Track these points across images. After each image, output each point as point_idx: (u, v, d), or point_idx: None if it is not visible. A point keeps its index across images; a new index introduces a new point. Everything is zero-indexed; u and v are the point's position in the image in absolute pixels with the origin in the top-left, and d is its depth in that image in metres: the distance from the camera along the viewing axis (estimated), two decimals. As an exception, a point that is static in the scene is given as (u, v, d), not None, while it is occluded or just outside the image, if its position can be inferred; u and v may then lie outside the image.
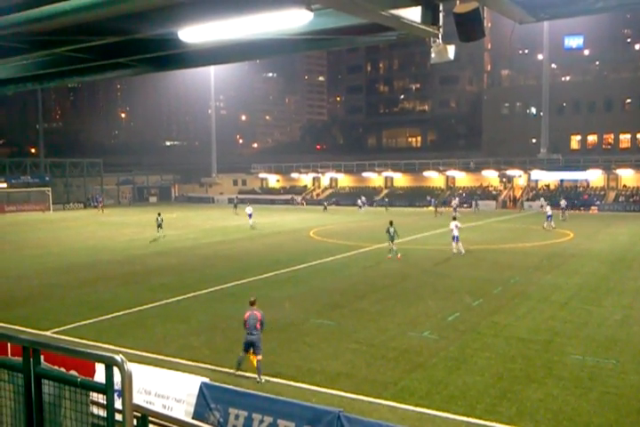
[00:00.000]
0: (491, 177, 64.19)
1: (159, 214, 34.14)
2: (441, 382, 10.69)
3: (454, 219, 27.18)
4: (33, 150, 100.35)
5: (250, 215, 41.04)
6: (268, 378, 10.80)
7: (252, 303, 11.20)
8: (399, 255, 24.90)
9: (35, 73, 10.57)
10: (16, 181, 61.75)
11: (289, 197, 69.77)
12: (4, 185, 60.12)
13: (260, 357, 10.67)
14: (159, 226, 33.72)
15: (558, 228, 36.55)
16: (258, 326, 10.75)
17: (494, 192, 62.93)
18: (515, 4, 6.49)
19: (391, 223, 25.30)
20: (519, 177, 62.97)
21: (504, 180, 63.49)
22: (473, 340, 13.23)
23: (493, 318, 15.05)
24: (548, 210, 37.31)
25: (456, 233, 25.80)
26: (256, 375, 10.71)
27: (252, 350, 10.69)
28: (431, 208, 58.54)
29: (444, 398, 9.95)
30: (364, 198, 59.02)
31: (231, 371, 11.08)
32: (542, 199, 51.73)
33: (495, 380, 10.76)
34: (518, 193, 62.14)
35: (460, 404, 9.69)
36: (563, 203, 44.80)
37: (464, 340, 13.22)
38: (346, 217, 49.13)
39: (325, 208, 56.67)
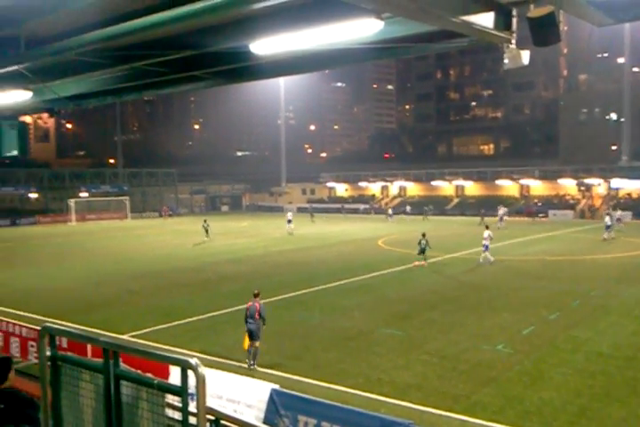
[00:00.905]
0: (568, 186, 61.75)
1: (205, 221, 37.86)
2: (515, 397, 10.31)
3: (487, 227, 26.49)
4: (112, 161, 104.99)
5: (289, 221, 42.12)
6: (337, 387, 10.77)
7: (256, 295, 12.20)
8: (419, 263, 25.10)
9: (114, 87, 11.07)
10: (96, 191, 64.88)
11: (358, 206, 69.71)
12: (86, 194, 63.23)
13: (257, 344, 11.65)
14: (206, 231, 37.09)
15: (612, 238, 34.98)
16: (257, 316, 11.69)
17: (571, 201, 60.54)
18: (593, 7, 6.24)
19: (424, 235, 25.14)
20: (598, 186, 60.29)
21: (582, 188, 60.95)
22: (550, 354, 12.71)
23: (572, 333, 14.42)
24: (607, 220, 35.81)
25: (487, 242, 25.49)
26: (246, 362, 11.85)
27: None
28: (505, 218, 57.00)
29: (518, 413, 9.60)
30: (408, 208, 58.31)
31: (296, 377, 11.17)
32: (609, 209, 49.17)
33: (573, 396, 10.28)
34: (597, 202, 59.51)
35: (536, 420, 9.32)
36: (619, 213, 42.70)
37: (540, 354, 12.73)
38: (415, 226, 48.52)
39: (391, 216, 55.60)
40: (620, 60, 67.47)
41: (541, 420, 9.34)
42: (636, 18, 7.15)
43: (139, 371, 7.34)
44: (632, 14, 6.69)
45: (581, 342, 13.56)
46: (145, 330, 15.01)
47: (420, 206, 60.77)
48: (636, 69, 71.84)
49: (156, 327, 15.28)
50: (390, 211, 56.24)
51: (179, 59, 8.72)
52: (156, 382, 3.82)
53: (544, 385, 10.87)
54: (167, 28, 6.94)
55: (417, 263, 24.98)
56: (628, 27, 57.57)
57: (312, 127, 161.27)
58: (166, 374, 8.28)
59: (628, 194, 58.80)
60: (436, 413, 9.67)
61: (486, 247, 25.60)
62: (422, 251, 25.05)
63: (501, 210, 47.77)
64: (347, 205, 70.35)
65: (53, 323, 12.02)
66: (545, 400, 10.11)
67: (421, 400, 10.14)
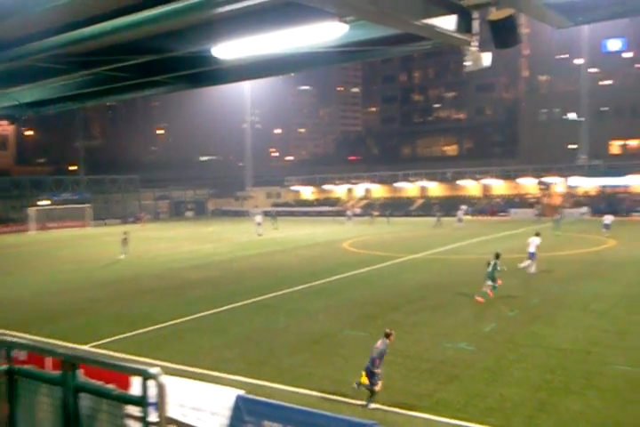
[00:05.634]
0: (528, 185, 63.21)
1: (125, 233, 32.85)
2: (478, 394, 10.54)
3: (537, 234, 23.08)
4: (73, 168, 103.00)
5: (259, 224, 43.57)
6: (302, 391, 10.84)
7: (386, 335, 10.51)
8: (481, 297, 18.20)
9: (75, 93, 10.96)
10: (57, 199, 63.49)
11: (325, 208, 69.86)
12: (48, 202, 61.83)
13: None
14: (124, 243, 32.13)
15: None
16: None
17: (532, 200, 61.93)
18: (552, 10, 6.45)
19: (497, 256, 18.82)
20: (558, 184, 61.84)
21: (542, 187, 62.46)
22: (510, 351, 13.03)
23: (531, 329, 14.80)
24: (554, 220, 36.29)
25: (533, 250, 22.59)
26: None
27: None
28: (468, 217, 57.95)
29: (480, 410, 9.81)
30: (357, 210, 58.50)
31: (261, 382, 11.23)
32: (563, 211, 50.55)
33: (533, 391, 10.57)
34: (557, 201, 61.00)
35: (498, 416, 9.54)
36: (583, 209, 43.27)
37: (501, 351, 13.04)
38: (381, 228, 48.96)
39: (350, 218, 54.82)
40: (579, 61, 69.14)
41: (502, 415, 9.57)
42: (593, 20, 7.43)
43: (101, 382, 7.31)
44: (589, 17, 6.95)
45: (540, 338, 13.93)
46: (107, 339, 14.80)
47: (386, 208, 61.37)
48: (594, 70, 73.85)
49: (119, 336, 15.09)
50: (349, 213, 56.48)
51: (141, 64, 8.71)
52: (115, 393, 3.84)
53: (505, 381, 11.14)
54: (128, 33, 6.94)
55: (479, 299, 18.10)
56: (586, 28, 59.26)
57: (278, 131, 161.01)
58: (130, 385, 8.23)
59: (586, 192, 60.51)
60: (401, 412, 9.81)
61: (532, 255, 22.56)
62: (492, 277, 18.41)
63: (460, 211, 48.58)
64: (312, 208, 70.62)
65: (10, 335, 11.79)
66: (506, 396, 10.36)
67: (386, 400, 10.26)
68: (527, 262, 22.74)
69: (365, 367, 10.05)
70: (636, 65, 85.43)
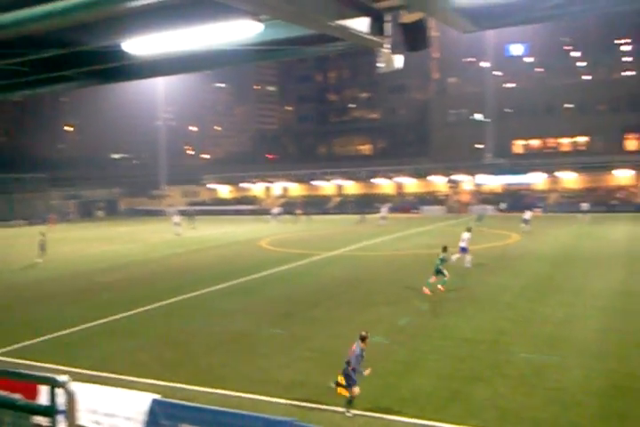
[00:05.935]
0: (439, 182, 65.59)
1: (43, 234, 30.34)
2: (392, 385, 10.84)
3: (469, 230, 24.72)
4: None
5: (177, 224, 43.08)
6: (221, 391, 10.74)
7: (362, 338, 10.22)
8: (427, 290, 18.86)
9: (-28, 88, 10.26)
10: (-45, 199, 59.38)
11: (243, 207, 69.32)
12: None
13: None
14: (42, 248, 29.59)
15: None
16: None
17: (442, 197, 64.29)
18: (459, 15, 6.70)
19: (444, 249, 19.69)
20: (466, 182, 64.54)
21: (452, 185, 65.00)
22: (423, 343, 13.48)
23: (443, 321, 15.37)
24: (478, 214, 38.40)
25: (464, 244, 24.01)
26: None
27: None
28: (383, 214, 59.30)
29: (395, 401, 10.10)
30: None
31: (178, 385, 11.00)
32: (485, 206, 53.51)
33: (445, 381, 10.99)
34: (466, 198, 63.66)
35: (411, 406, 9.85)
36: (501, 205, 45.69)
37: (414, 343, 13.46)
38: (298, 226, 49.20)
39: (274, 217, 55.42)
40: (484, 65, 72.35)
41: (416, 405, 9.89)
42: (497, 26, 7.78)
43: (7, 392, 6.93)
44: (493, 22, 7.27)
45: (451, 329, 14.49)
46: (11, 347, 13.96)
47: (304, 207, 61.73)
48: (498, 73, 77.58)
49: (23, 343, 14.29)
50: (275, 211, 56.45)
51: (47, 58, 8.28)
52: (20, 403, 3.67)
53: (418, 372, 11.52)
54: (33, 25, 6.56)
55: (426, 291, 18.79)
56: (491, 33, 62.20)
57: (193, 128, 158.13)
58: (38, 394, 7.86)
59: (492, 189, 63.59)
60: (321, 408, 9.92)
61: (464, 249, 23.87)
62: (439, 270, 19.15)
63: (384, 208, 49.76)
64: (230, 207, 70.02)
65: None
66: (419, 386, 10.73)
67: (306, 397, 10.35)
68: (458, 256, 24.11)
69: (343, 369, 9.78)
70: (537, 69, 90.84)
